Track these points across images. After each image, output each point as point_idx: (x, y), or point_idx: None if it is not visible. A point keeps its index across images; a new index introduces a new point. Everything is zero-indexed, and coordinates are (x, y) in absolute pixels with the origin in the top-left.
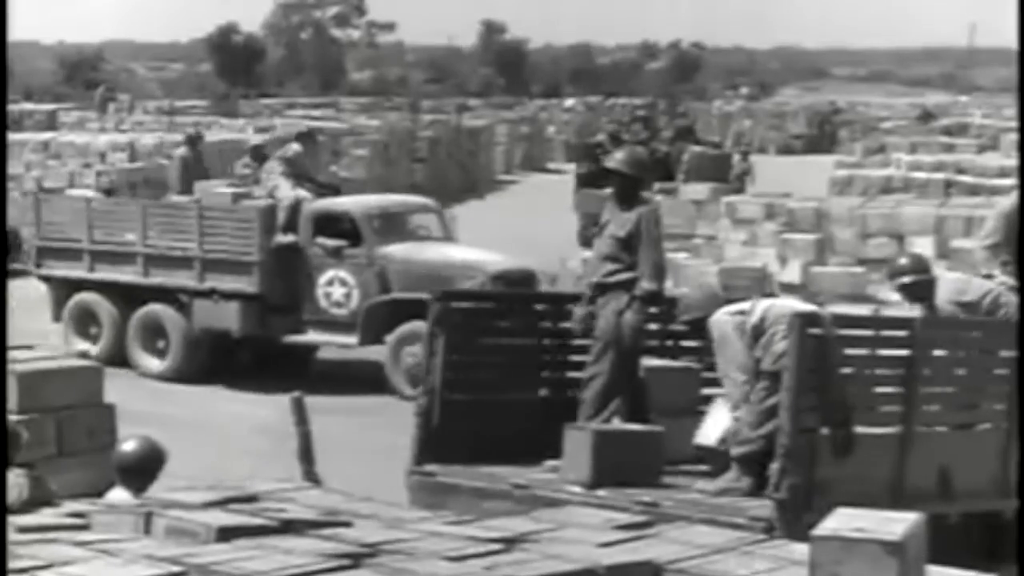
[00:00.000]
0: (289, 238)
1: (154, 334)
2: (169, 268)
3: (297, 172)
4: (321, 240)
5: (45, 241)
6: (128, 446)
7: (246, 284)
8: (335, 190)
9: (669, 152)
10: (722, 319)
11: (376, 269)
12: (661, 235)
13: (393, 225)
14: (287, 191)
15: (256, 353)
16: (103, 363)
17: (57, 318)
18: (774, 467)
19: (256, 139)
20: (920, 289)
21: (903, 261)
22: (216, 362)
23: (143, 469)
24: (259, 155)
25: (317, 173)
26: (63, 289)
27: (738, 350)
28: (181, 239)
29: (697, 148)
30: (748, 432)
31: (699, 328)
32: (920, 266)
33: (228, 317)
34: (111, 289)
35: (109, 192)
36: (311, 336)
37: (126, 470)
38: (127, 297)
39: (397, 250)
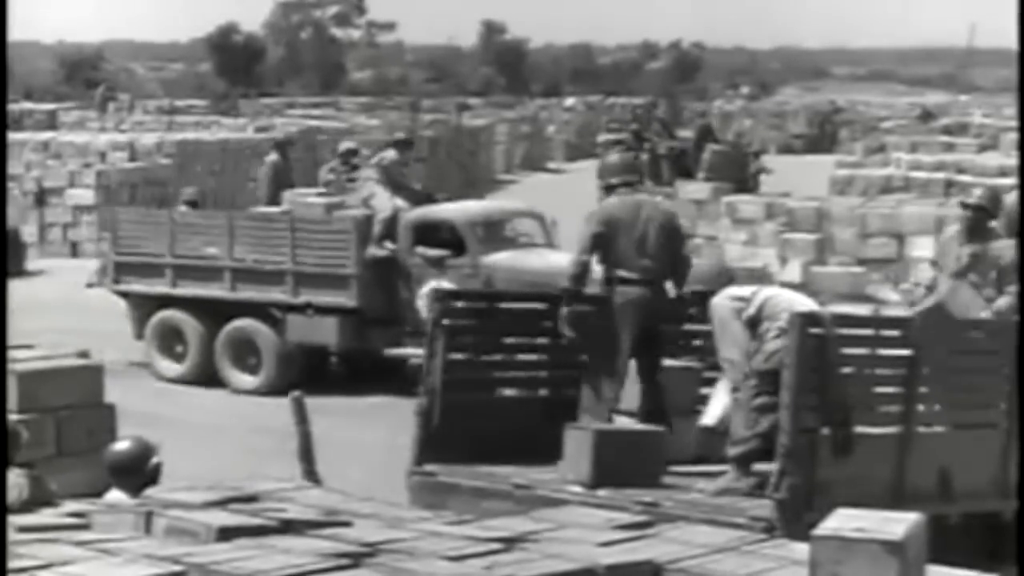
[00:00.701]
0: (387, 249)
1: (244, 349)
2: (259, 282)
3: (393, 180)
4: (421, 250)
5: (123, 256)
6: (117, 446)
7: (343, 298)
8: (429, 198)
9: (686, 151)
10: (722, 303)
11: (481, 279)
12: (585, 236)
13: (495, 232)
14: (384, 200)
15: (349, 365)
16: (190, 382)
17: (139, 336)
18: (774, 467)
19: (345, 144)
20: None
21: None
22: (309, 375)
23: (134, 469)
24: (347, 160)
25: (411, 181)
26: (144, 306)
27: (737, 332)
28: (272, 252)
29: (716, 147)
30: (742, 432)
31: (703, 300)
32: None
33: (325, 332)
34: (196, 305)
35: (194, 204)
36: (412, 348)
37: (117, 471)
38: (213, 313)
39: (502, 259)
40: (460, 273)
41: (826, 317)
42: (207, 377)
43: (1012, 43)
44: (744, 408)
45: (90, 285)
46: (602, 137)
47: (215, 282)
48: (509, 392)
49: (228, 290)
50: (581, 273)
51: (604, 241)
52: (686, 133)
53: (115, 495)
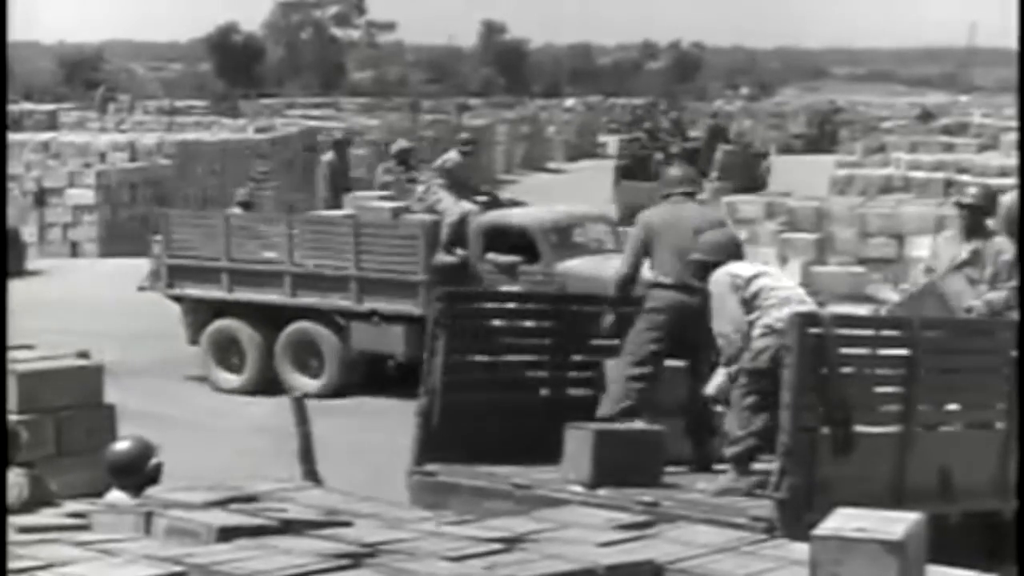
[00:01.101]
0: (456, 255)
1: (305, 352)
2: (320, 288)
3: (458, 183)
4: (492, 256)
5: (176, 259)
6: (117, 446)
7: (411, 306)
8: (495, 201)
9: (700, 150)
10: (722, 278)
11: (555, 286)
12: (631, 242)
13: (566, 238)
14: (451, 204)
15: (408, 368)
16: (249, 392)
17: (193, 341)
18: (774, 466)
19: (399, 143)
20: (980, 218)
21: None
22: (372, 379)
23: (134, 469)
24: (403, 160)
25: (477, 184)
26: (198, 311)
27: (732, 308)
28: (335, 257)
29: (727, 147)
30: (736, 432)
31: (707, 269)
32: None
33: (391, 340)
34: (253, 310)
35: (247, 206)
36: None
37: (117, 470)
38: (271, 318)
39: (577, 265)
40: (533, 280)
41: (825, 317)
42: (265, 386)
43: (1012, 43)
44: (736, 408)
45: (141, 288)
46: (615, 137)
47: (274, 287)
48: (509, 392)
49: (288, 296)
50: (624, 281)
51: (646, 247)
52: (696, 132)
53: (115, 495)
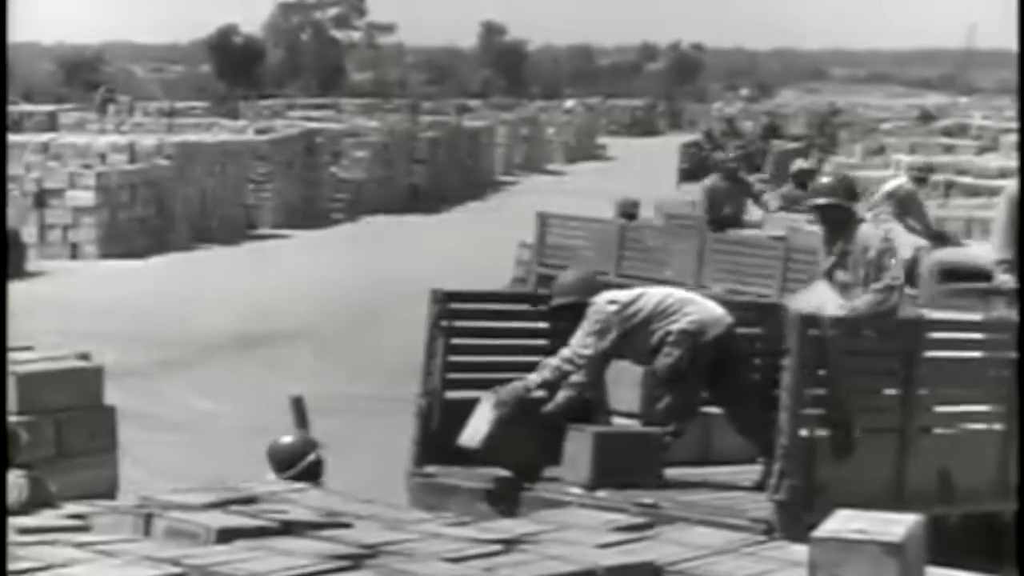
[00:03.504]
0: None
1: None
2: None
3: (910, 214)
4: (950, 297)
5: (549, 268)
6: (281, 440)
7: None
8: (942, 237)
9: (750, 149)
10: (601, 304)
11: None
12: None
13: None
14: (903, 238)
15: None
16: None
17: None
18: (774, 469)
19: (798, 164)
20: (837, 214)
21: (826, 180)
22: None
23: (293, 462)
24: (802, 182)
25: (927, 216)
26: None
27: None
28: (753, 283)
29: (780, 143)
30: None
31: (570, 312)
32: (844, 190)
33: None
34: None
35: (631, 216)
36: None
37: (278, 463)
38: None
39: None
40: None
41: (825, 319)
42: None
43: (1012, 44)
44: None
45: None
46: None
47: None
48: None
49: None
50: None
51: None
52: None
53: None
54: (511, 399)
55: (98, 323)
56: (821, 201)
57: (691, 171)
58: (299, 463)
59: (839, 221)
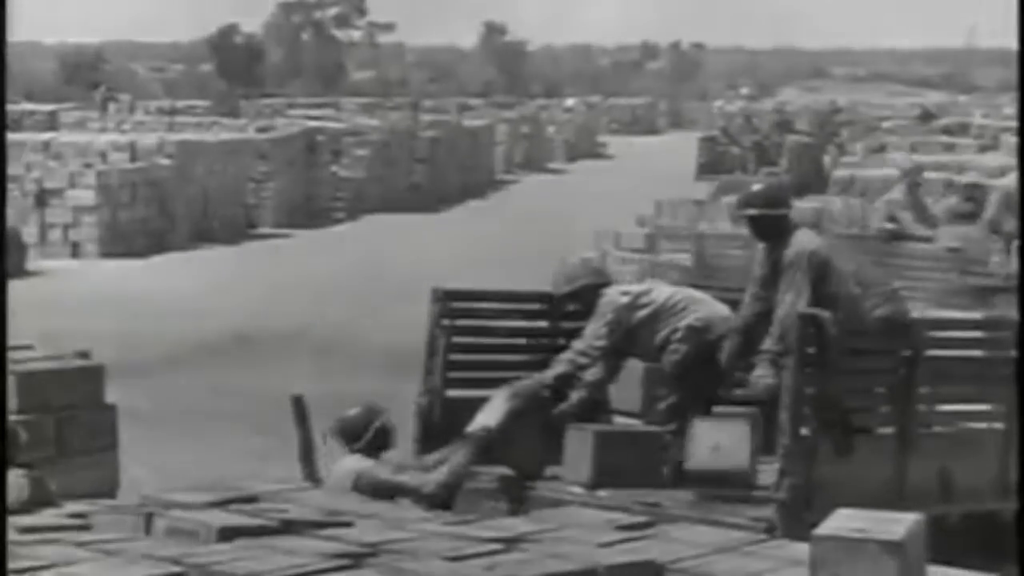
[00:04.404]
0: None
1: None
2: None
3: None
4: None
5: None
6: (347, 413)
7: None
8: None
9: (766, 144)
10: (612, 295)
11: None
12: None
13: None
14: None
15: None
16: None
17: None
18: (775, 468)
19: (968, 177)
20: (766, 223)
21: (755, 189)
22: None
23: (360, 432)
24: (969, 196)
25: None
26: None
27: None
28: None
29: (794, 138)
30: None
31: (578, 300)
32: (773, 200)
33: None
34: None
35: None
36: None
37: (346, 435)
38: None
39: None
40: None
41: (826, 318)
42: None
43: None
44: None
45: None
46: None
47: None
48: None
49: None
50: None
51: None
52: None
53: (349, 461)
54: (526, 392)
55: (99, 322)
56: (751, 212)
57: (709, 165)
58: (365, 434)
59: (770, 229)
